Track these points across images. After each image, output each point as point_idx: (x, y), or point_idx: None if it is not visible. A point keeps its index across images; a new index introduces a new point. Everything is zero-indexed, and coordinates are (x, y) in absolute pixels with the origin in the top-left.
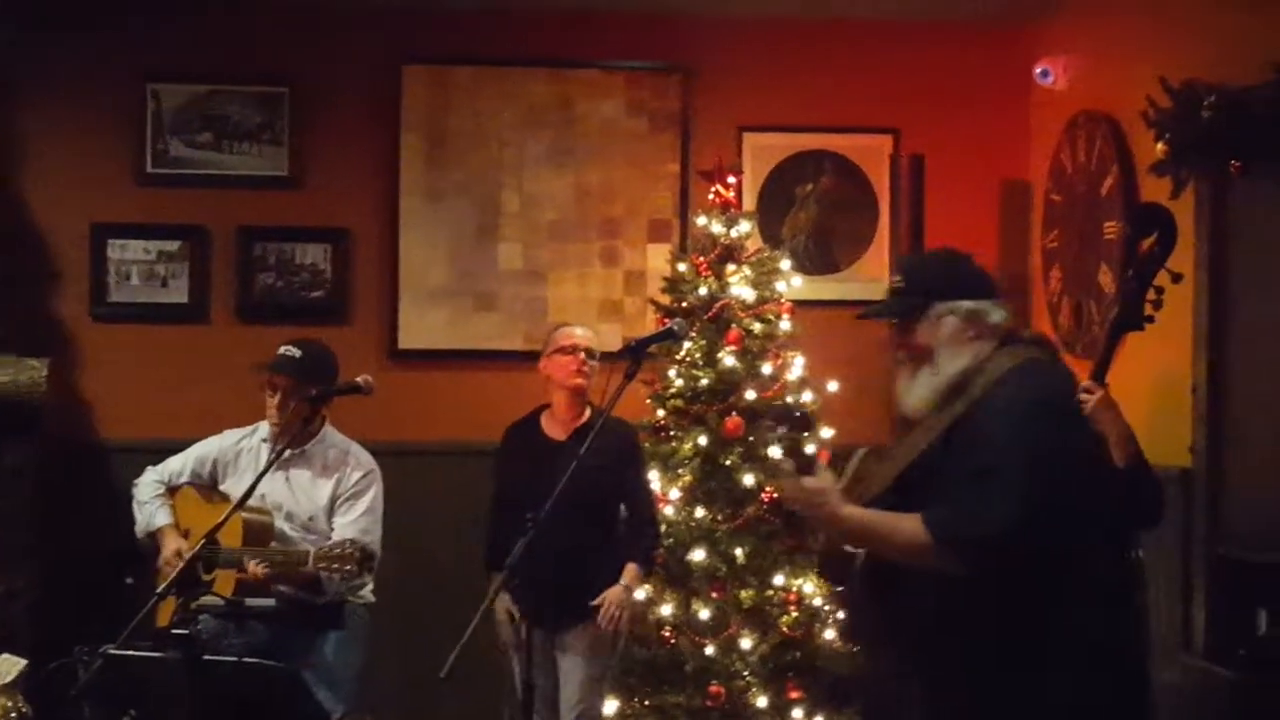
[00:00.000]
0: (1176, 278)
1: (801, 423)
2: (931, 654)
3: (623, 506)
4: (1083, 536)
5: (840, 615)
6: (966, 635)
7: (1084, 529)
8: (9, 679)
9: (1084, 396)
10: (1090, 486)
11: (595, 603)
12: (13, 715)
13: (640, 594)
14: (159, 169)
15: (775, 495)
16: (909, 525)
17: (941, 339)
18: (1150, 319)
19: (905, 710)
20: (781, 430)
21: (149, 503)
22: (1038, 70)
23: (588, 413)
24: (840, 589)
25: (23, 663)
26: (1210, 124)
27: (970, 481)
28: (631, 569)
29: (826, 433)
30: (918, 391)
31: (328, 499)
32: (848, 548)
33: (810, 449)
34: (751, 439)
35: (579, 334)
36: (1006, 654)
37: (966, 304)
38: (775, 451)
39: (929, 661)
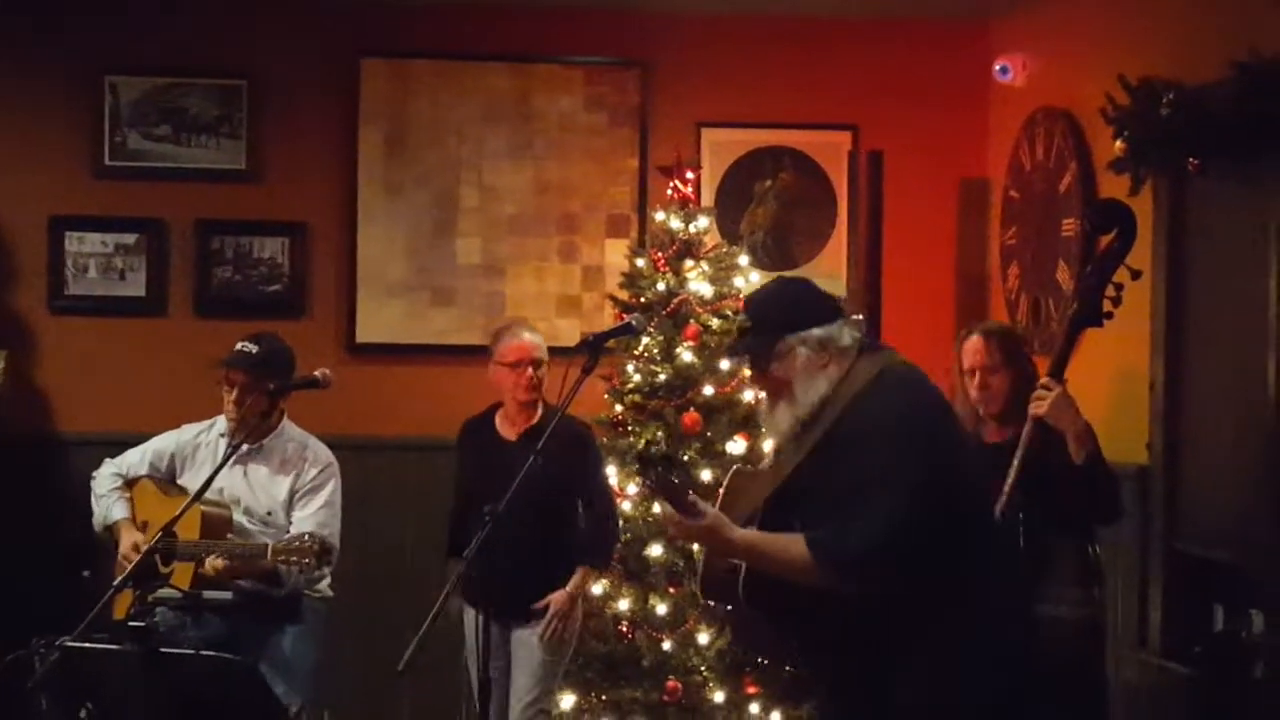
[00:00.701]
0: (1136, 274)
1: (674, 488)
2: (818, 658)
3: (580, 504)
4: (963, 539)
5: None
6: (849, 640)
7: (963, 530)
8: None
9: (1041, 393)
10: (966, 488)
11: (540, 605)
12: None
13: (596, 589)
14: (117, 161)
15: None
16: (796, 547)
17: (796, 371)
18: (1109, 315)
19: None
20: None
21: (106, 495)
22: (997, 67)
23: (540, 413)
24: (727, 608)
25: None
26: (1169, 121)
27: (845, 501)
28: (580, 573)
29: None
30: (780, 425)
31: (286, 494)
32: (732, 560)
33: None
34: (709, 434)
35: (527, 342)
36: (888, 656)
37: (816, 332)
38: (736, 448)
39: (817, 665)
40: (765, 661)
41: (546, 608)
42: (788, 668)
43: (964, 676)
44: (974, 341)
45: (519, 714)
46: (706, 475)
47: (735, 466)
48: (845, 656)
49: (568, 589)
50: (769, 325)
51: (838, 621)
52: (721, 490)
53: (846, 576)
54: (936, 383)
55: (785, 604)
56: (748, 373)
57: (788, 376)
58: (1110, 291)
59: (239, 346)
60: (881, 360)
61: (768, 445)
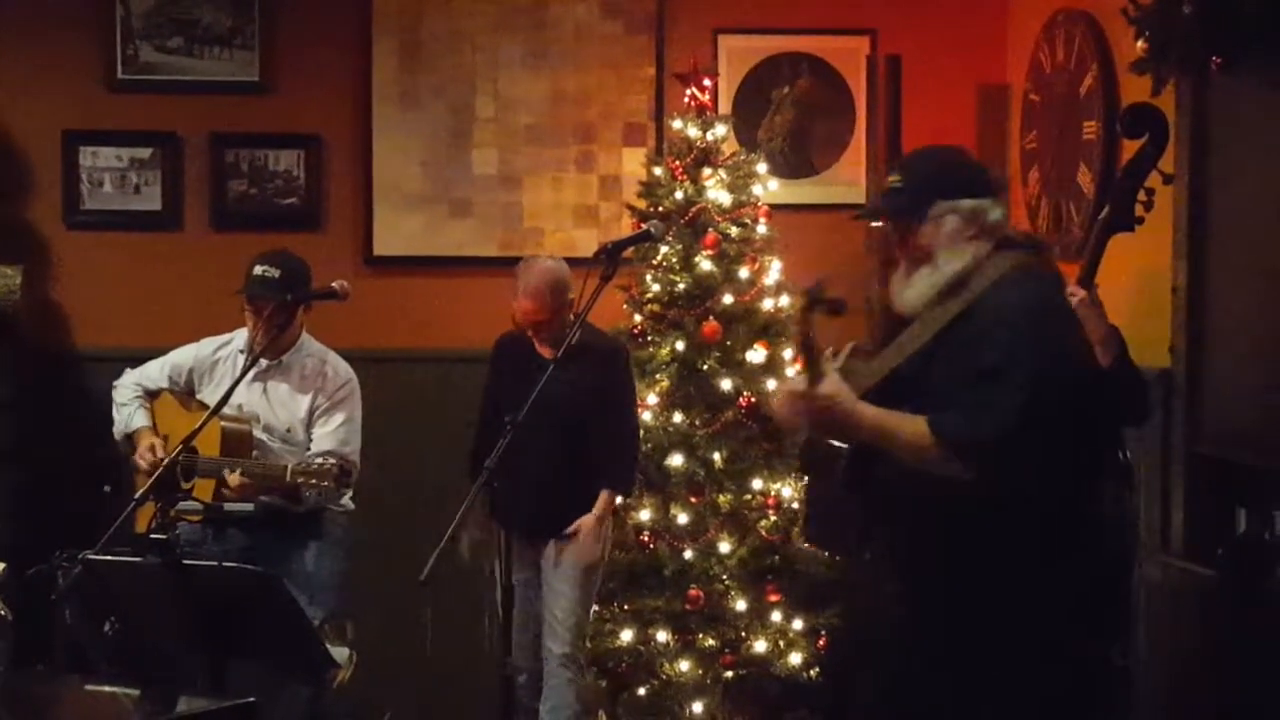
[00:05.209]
0: (1169, 179)
1: (834, 305)
2: (910, 546)
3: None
4: (1076, 438)
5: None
6: (945, 526)
7: (1077, 430)
8: None
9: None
10: (1084, 390)
11: (570, 530)
12: None
13: (618, 499)
14: (129, 74)
15: (755, 401)
16: (917, 427)
17: (941, 239)
18: (1140, 220)
19: (883, 609)
20: (817, 308)
21: (128, 404)
22: None
23: (578, 334)
24: (815, 483)
25: (2, 566)
26: (1191, 20)
27: (974, 385)
28: (604, 497)
29: None
30: (915, 290)
31: (306, 411)
32: (834, 442)
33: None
34: (729, 343)
35: (537, 276)
36: (986, 545)
37: (967, 202)
38: (756, 356)
39: (907, 555)
40: (831, 555)
41: (575, 533)
42: (847, 560)
43: (1057, 588)
44: None
45: (563, 632)
46: (726, 385)
47: (852, 344)
48: (935, 550)
49: (594, 512)
50: (921, 188)
51: (938, 511)
52: (836, 368)
53: (969, 461)
54: None
55: (885, 490)
56: (886, 229)
57: (932, 243)
58: (1142, 196)
59: (259, 271)
60: (1023, 255)
61: (787, 354)
